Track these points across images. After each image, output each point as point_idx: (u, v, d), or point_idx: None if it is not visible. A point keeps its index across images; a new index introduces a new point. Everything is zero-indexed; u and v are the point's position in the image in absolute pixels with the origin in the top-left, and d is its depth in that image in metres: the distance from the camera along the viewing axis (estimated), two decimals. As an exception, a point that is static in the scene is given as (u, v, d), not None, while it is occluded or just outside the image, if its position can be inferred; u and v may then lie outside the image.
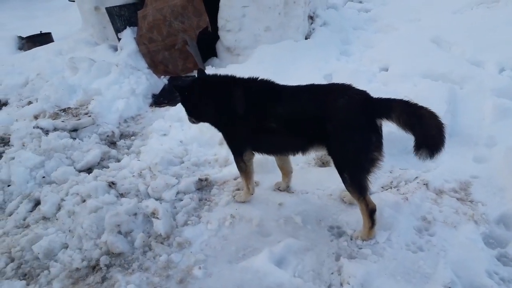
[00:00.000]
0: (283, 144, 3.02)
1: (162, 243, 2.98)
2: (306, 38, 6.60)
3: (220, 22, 6.17)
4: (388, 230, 2.92)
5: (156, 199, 3.38)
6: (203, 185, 3.66)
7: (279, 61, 5.72)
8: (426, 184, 3.41)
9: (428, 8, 7.82)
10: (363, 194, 2.75)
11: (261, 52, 5.95)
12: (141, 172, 3.79)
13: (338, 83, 2.86)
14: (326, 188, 3.47)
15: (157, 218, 3.09)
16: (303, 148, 2.96)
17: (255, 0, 5.98)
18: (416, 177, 3.54)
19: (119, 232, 2.98)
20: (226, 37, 6.24)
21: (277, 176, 3.58)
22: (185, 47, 6.38)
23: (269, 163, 3.78)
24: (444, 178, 3.48)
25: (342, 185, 2.87)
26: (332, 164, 2.88)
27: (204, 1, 6.10)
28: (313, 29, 6.84)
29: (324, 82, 5.04)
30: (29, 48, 8.48)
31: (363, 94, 2.73)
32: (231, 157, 3.57)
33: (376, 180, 3.53)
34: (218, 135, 3.79)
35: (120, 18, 6.50)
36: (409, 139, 2.62)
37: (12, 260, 2.99)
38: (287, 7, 6.24)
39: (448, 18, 6.97)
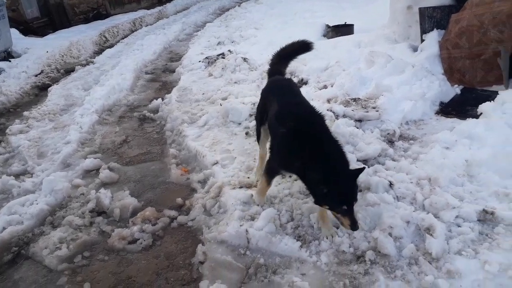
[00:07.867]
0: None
1: (430, 262, 2.83)
2: None
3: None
4: None
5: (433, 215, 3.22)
6: (487, 218, 3.24)
7: None
8: None
9: None
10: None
11: None
12: (419, 181, 3.67)
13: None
14: None
15: (431, 235, 2.94)
16: None
17: None
18: None
19: (390, 234, 3.00)
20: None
21: None
22: (493, 59, 5.69)
23: None
24: None
25: None
26: None
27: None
28: None
29: None
30: (332, 37, 9.36)
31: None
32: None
33: None
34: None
35: (430, 20, 6.31)
36: None
37: (292, 219, 3.45)
38: None
39: None
